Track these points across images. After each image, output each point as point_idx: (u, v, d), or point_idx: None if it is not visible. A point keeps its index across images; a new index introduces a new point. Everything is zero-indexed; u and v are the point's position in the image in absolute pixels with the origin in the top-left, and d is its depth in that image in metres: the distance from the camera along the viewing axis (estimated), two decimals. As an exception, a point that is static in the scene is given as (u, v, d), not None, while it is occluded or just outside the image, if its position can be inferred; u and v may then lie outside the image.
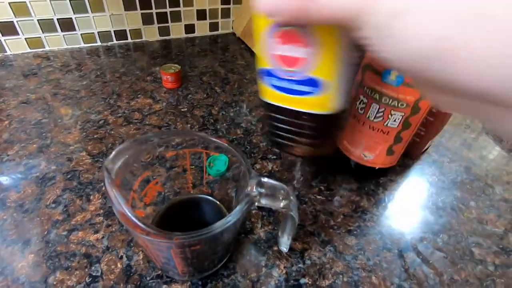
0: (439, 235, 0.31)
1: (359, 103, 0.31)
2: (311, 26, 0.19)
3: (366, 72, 0.30)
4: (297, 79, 0.21)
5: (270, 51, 0.21)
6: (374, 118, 0.30)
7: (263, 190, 0.20)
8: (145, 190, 0.24)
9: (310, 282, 0.25)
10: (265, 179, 0.20)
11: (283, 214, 0.23)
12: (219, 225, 0.17)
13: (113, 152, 0.20)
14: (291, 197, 0.20)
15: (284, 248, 0.26)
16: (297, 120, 0.23)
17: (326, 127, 0.24)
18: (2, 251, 0.25)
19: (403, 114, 0.29)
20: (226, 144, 0.23)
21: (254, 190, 0.20)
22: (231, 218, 0.18)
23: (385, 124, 0.30)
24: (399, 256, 0.28)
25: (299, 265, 0.26)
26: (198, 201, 0.28)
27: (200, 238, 0.17)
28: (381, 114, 0.30)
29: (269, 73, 0.22)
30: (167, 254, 0.19)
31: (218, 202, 0.28)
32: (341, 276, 0.26)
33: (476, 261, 0.28)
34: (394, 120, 0.30)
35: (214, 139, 0.23)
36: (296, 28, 0.19)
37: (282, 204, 0.20)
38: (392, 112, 0.29)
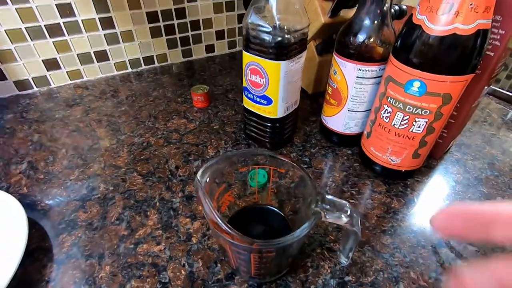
0: (470, 230, 0.33)
1: (384, 112, 0.34)
2: (265, 68, 0.35)
3: (389, 84, 0.32)
4: (258, 95, 0.38)
5: (246, 76, 0.38)
6: (399, 125, 0.33)
7: (327, 207, 0.22)
8: (222, 200, 0.28)
9: (353, 279, 0.28)
10: (329, 197, 0.22)
11: (345, 229, 0.24)
12: (291, 237, 0.20)
13: (202, 168, 0.24)
14: (354, 214, 0.22)
15: (344, 261, 0.27)
16: (259, 119, 0.41)
17: (275, 127, 0.40)
18: (83, 264, 0.29)
19: (427, 120, 0.31)
20: (291, 162, 0.26)
21: (319, 206, 0.22)
22: (301, 231, 0.20)
23: (410, 130, 0.33)
24: (433, 252, 0.30)
25: (342, 265, 0.29)
26: (264, 211, 0.31)
27: (275, 246, 0.20)
28: (406, 121, 0.32)
29: (246, 89, 0.39)
30: (245, 257, 0.23)
31: (282, 214, 0.31)
32: (381, 273, 0.29)
33: (508, 253, 0.30)
34: (419, 126, 0.32)
35: (280, 158, 0.26)
36: (257, 67, 0.35)
37: (345, 220, 0.22)
38: (416, 119, 0.32)
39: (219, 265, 0.29)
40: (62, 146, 0.43)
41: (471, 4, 0.25)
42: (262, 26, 0.32)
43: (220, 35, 0.70)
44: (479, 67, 0.33)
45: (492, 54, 0.32)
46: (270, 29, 0.32)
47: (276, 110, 0.38)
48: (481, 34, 0.26)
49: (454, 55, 0.27)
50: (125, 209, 0.34)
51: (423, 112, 0.31)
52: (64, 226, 0.32)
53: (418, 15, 0.28)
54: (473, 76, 0.29)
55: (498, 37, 0.31)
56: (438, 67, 0.28)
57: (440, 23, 0.26)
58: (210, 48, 0.71)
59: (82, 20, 0.54)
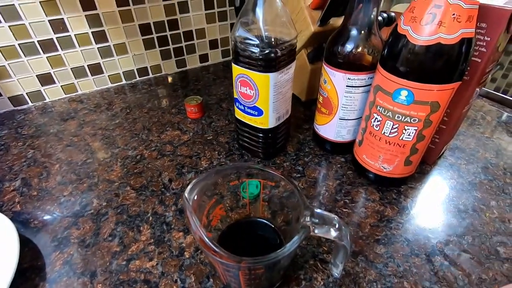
0: (464, 237, 0.32)
1: (374, 121, 0.34)
2: (254, 80, 0.35)
3: (378, 93, 0.32)
4: (249, 106, 0.38)
5: (236, 88, 0.38)
6: (389, 133, 0.33)
7: (316, 221, 0.22)
8: (212, 214, 0.28)
9: (347, 291, 0.28)
10: (318, 210, 0.22)
11: (335, 243, 0.24)
12: (280, 253, 0.20)
13: (191, 184, 0.24)
14: (343, 227, 0.22)
15: (336, 274, 0.27)
16: (251, 130, 0.41)
17: (266, 137, 0.40)
18: (75, 283, 0.29)
19: (417, 128, 0.31)
20: (280, 176, 0.26)
21: (308, 220, 0.22)
22: (290, 246, 0.20)
23: (400, 138, 0.33)
24: (427, 260, 0.30)
25: (334, 277, 0.29)
26: (256, 224, 0.31)
27: (264, 263, 0.20)
28: (396, 129, 0.32)
29: (237, 100, 0.40)
30: (234, 274, 0.22)
31: (273, 226, 0.31)
32: (374, 284, 0.28)
33: (503, 260, 0.30)
34: (409, 134, 0.32)
35: (270, 171, 0.26)
36: (246, 79, 0.35)
37: (334, 234, 0.22)
38: (406, 127, 0.32)
39: (211, 280, 0.29)
40: (56, 162, 0.43)
41: (454, 14, 0.25)
42: (249, 39, 0.33)
43: (213, 44, 0.70)
44: (466, 73, 0.33)
45: (479, 60, 0.32)
46: (258, 42, 0.32)
47: (267, 121, 0.38)
48: (466, 43, 0.26)
49: (440, 64, 0.27)
50: (117, 224, 0.34)
51: (412, 120, 0.31)
52: (56, 243, 0.32)
53: (402, 26, 0.28)
54: (460, 84, 0.29)
55: (484, 43, 0.31)
56: (424, 76, 0.28)
57: (424, 33, 0.26)
58: (204, 58, 0.71)
59: (75, 35, 0.54)
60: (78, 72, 0.58)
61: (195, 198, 0.24)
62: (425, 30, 0.26)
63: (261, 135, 0.40)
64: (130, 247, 0.32)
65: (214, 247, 0.20)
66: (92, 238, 0.33)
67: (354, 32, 0.34)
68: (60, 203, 0.37)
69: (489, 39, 0.31)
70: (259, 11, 0.32)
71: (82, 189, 0.39)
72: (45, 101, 0.58)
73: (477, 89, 0.35)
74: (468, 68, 0.33)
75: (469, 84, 0.34)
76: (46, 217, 0.35)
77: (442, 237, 0.33)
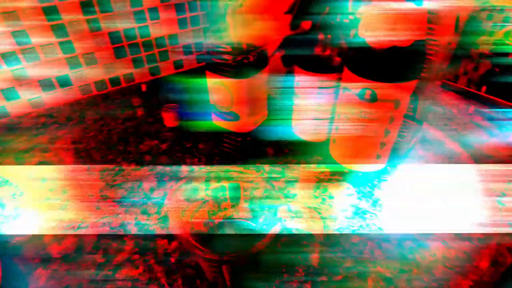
0: (432, 219, 0.35)
1: (344, 119, 0.36)
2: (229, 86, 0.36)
3: (346, 93, 0.35)
4: (225, 111, 0.39)
5: (212, 95, 0.38)
6: (358, 131, 0.35)
7: (288, 213, 0.24)
8: (196, 217, 0.29)
9: (326, 280, 0.30)
10: (290, 205, 0.25)
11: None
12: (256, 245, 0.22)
13: (173, 190, 0.25)
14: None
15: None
16: (230, 135, 0.42)
17: (245, 141, 0.42)
18: (60, 300, 0.28)
19: (382, 124, 0.34)
20: (259, 176, 0.28)
21: (281, 213, 0.24)
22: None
23: (368, 135, 0.35)
24: (398, 245, 0.33)
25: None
26: (237, 224, 0.32)
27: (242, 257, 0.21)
28: (364, 127, 0.35)
29: (213, 107, 0.41)
30: (218, 269, 0.24)
31: (255, 224, 0.32)
32: (350, 269, 0.30)
33: (463, 239, 0.33)
34: (375, 131, 0.35)
35: (250, 172, 0.28)
36: (221, 86, 0.36)
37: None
38: (373, 124, 0.34)
39: (198, 280, 0.29)
40: (29, 179, 0.42)
41: (405, 20, 0.28)
42: (222, 47, 0.34)
43: (187, 50, 0.70)
44: (424, 71, 0.36)
45: (434, 59, 0.35)
46: (230, 50, 0.34)
47: (244, 125, 0.39)
48: (419, 45, 0.29)
49: (397, 65, 0.30)
50: (100, 237, 0.34)
51: (377, 117, 0.33)
52: (38, 261, 0.31)
53: (363, 31, 0.31)
54: (418, 81, 0.32)
55: (438, 44, 0.34)
56: (384, 76, 0.31)
57: (382, 37, 0.29)
58: (178, 65, 0.71)
59: (40, 46, 0.53)
60: (45, 85, 0.56)
61: (178, 201, 0.25)
62: (383, 35, 0.29)
63: (239, 139, 0.41)
64: (115, 257, 0.32)
65: (199, 245, 0.21)
66: (75, 252, 0.32)
67: (321, 37, 0.37)
68: (39, 221, 0.36)
69: (441, 39, 0.34)
70: (229, 20, 0.33)
71: (60, 205, 0.38)
72: (10, 118, 0.55)
73: (438, 84, 0.39)
74: (425, 66, 0.36)
75: (427, 81, 0.37)
76: (25, 235, 0.34)
77: (412, 221, 0.35)
